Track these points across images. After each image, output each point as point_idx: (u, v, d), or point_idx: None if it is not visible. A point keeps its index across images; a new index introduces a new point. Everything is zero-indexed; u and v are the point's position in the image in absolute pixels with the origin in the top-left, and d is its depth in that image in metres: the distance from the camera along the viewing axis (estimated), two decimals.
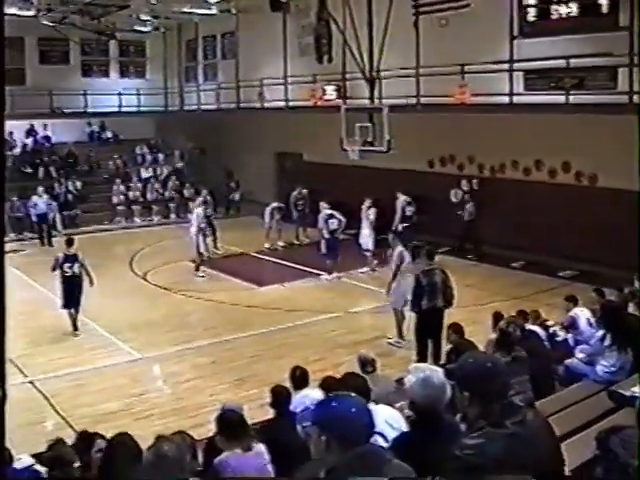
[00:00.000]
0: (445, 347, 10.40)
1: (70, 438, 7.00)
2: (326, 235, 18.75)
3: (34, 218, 24.37)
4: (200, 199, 21.55)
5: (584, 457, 4.86)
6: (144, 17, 28.58)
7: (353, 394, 3.40)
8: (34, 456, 6.53)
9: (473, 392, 3.58)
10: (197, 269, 19.20)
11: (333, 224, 18.78)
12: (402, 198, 20.21)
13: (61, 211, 25.83)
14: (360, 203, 19.77)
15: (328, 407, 3.24)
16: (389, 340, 13.32)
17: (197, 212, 19.77)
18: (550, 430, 3.85)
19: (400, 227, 19.81)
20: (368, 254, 19.14)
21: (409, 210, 20.21)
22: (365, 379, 6.40)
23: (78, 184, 28.27)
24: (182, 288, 17.83)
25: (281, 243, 22.58)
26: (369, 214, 19.42)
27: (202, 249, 19.33)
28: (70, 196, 27.34)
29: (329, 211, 19.06)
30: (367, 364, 8.07)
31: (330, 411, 3.20)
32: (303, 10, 25.38)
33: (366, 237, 19.27)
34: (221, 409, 6.48)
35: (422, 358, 11.28)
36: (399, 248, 13.75)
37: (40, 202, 24.45)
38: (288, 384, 7.66)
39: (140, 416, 10.46)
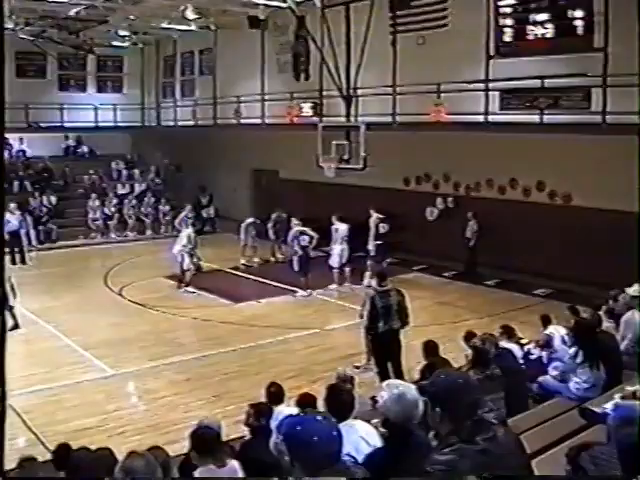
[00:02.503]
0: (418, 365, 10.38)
1: (41, 456, 6.96)
2: (299, 252, 18.76)
3: (6, 236, 23.00)
4: (183, 215, 21.13)
5: (556, 473, 4.91)
6: (122, 32, 28.65)
7: (322, 416, 3.40)
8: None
9: (444, 408, 3.62)
10: (187, 285, 19.09)
11: (304, 240, 18.80)
12: (375, 216, 19.76)
13: (36, 226, 25.54)
14: None
15: (293, 430, 3.25)
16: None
17: (188, 233, 19.49)
18: (521, 447, 3.90)
19: (372, 245, 19.46)
20: (334, 271, 19.03)
21: (382, 227, 19.79)
22: (353, 395, 6.42)
23: (53, 199, 28.06)
24: (158, 304, 17.75)
25: (257, 260, 22.51)
26: (338, 230, 19.18)
27: (185, 266, 19.19)
28: (45, 211, 27.11)
29: (300, 228, 19.05)
30: (345, 382, 8.07)
31: (293, 435, 3.23)
32: (281, 28, 25.53)
33: (335, 254, 19.14)
34: (197, 425, 6.49)
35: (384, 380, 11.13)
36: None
37: (12, 219, 22.77)
38: (264, 400, 7.67)
39: (114, 432, 10.36)
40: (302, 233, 18.93)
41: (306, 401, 6.95)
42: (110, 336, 15.14)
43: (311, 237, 18.88)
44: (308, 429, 3.21)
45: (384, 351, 11.79)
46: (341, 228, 19.07)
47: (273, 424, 6.79)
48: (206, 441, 5.93)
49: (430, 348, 9.73)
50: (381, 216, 19.73)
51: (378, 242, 19.45)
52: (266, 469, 5.81)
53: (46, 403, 11.53)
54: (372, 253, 18.92)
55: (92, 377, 12.84)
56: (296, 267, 18.77)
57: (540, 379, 9.45)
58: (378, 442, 5.68)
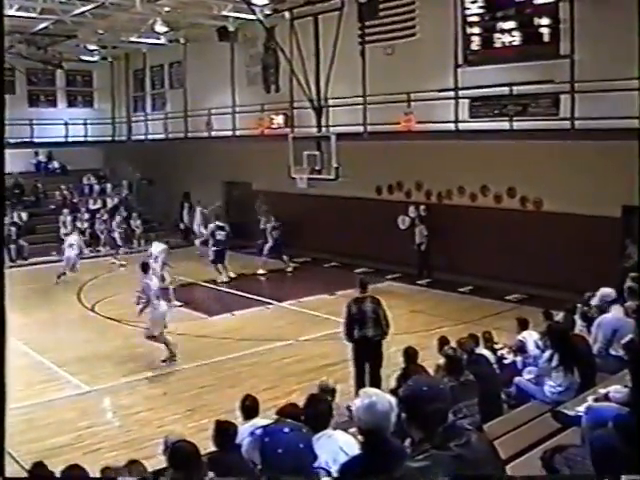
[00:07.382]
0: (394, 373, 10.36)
1: (16, 474, 6.86)
2: (212, 245, 20.98)
3: None
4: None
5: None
6: (91, 47, 28.54)
7: (291, 427, 3.40)
8: None
9: (410, 415, 3.62)
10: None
11: (220, 235, 20.81)
12: (269, 224, 21.45)
13: (7, 243, 25.31)
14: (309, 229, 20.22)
15: (262, 441, 3.26)
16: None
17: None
18: (494, 452, 3.89)
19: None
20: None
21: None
22: (330, 404, 6.39)
23: (24, 215, 27.85)
24: (132, 319, 17.59)
25: (221, 276, 21.79)
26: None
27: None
28: (15, 228, 26.81)
29: (219, 223, 21.25)
30: (327, 393, 8.04)
31: (262, 446, 3.23)
32: (251, 40, 25.55)
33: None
34: (166, 441, 6.36)
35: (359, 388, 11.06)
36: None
37: None
38: (239, 413, 7.63)
39: (89, 449, 10.26)
40: (220, 228, 21.04)
41: (287, 412, 6.85)
42: (84, 352, 14.99)
43: (227, 233, 20.94)
44: (274, 441, 3.22)
45: (360, 359, 11.72)
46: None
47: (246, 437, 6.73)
48: (189, 457, 5.67)
49: (410, 355, 9.70)
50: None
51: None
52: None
53: (19, 422, 11.26)
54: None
55: (66, 394, 12.70)
56: (212, 257, 20.91)
57: (516, 380, 9.48)
58: (356, 452, 5.67)
